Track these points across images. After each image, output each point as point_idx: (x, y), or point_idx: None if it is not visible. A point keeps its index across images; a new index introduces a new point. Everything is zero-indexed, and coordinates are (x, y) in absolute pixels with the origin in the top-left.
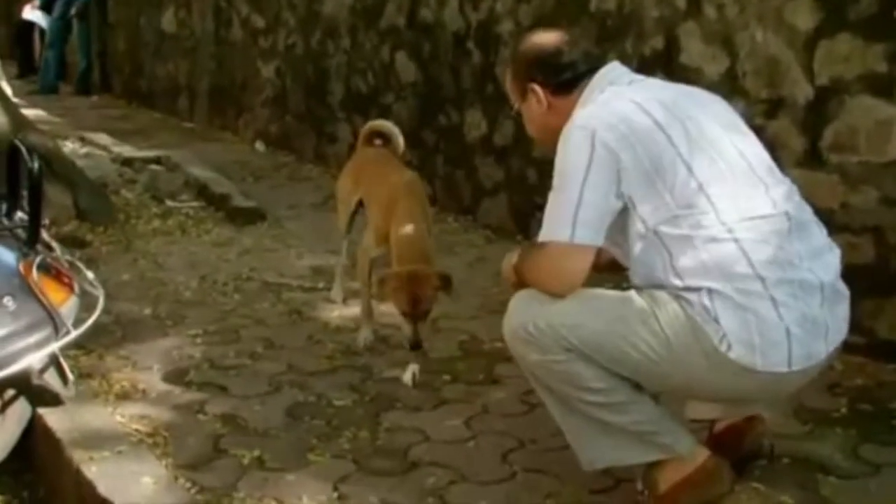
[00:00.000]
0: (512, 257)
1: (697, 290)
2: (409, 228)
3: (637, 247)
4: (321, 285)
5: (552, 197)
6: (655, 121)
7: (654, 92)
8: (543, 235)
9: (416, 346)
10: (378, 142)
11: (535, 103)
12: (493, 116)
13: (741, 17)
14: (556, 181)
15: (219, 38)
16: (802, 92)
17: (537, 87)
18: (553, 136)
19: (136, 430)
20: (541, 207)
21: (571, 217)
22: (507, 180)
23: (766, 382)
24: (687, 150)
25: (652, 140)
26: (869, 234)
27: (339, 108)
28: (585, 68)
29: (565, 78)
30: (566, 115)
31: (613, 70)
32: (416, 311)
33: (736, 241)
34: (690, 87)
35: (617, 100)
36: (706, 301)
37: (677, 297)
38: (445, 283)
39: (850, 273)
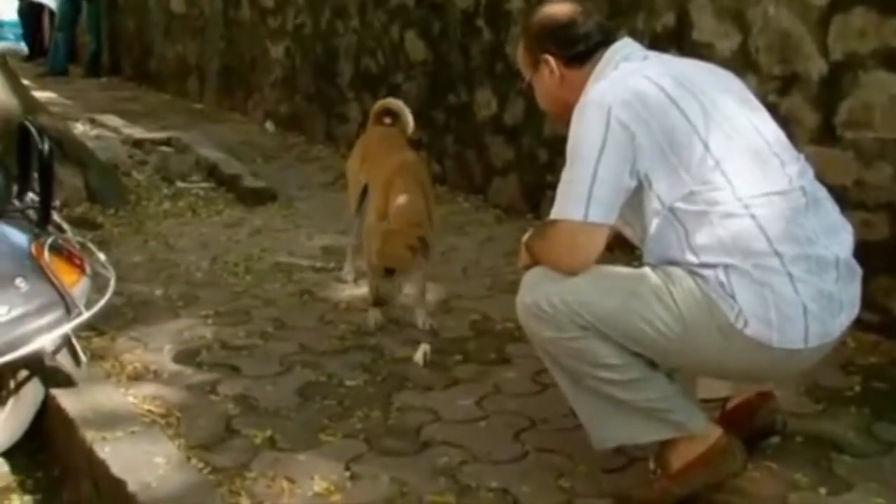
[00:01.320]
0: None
1: (713, 266)
2: (402, 198)
3: (652, 224)
4: (332, 265)
5: (565, 174)
6: (669, 96)
7: (668, 67)
8: (556, 213)
9: (376, 302)
10: (387, 120)
11: (547, 75)
12: (504, 95)
13: None
14: (569, 158)
15: (227, 18)
16: (816, 67)
17: (550, 59)
18: (564, 109)
19: (149, 411)
20: (551, 186)
21: (585, 195)
22: (518, 159)
23: (780, 359)
24: (703, 127)
25: (666, 116)
26: (883, 211)
27: (349, 87)
28: (599, 40)
29: (579, 50)
30: (578, 89)
31: (626, 46)
32: (378, 266)
33: (752, 216)
34: (704, 63)
35: (631, 76)
36: (722, 277)
37: (692, 274)
38: (423, 245)
39: (864, 250)
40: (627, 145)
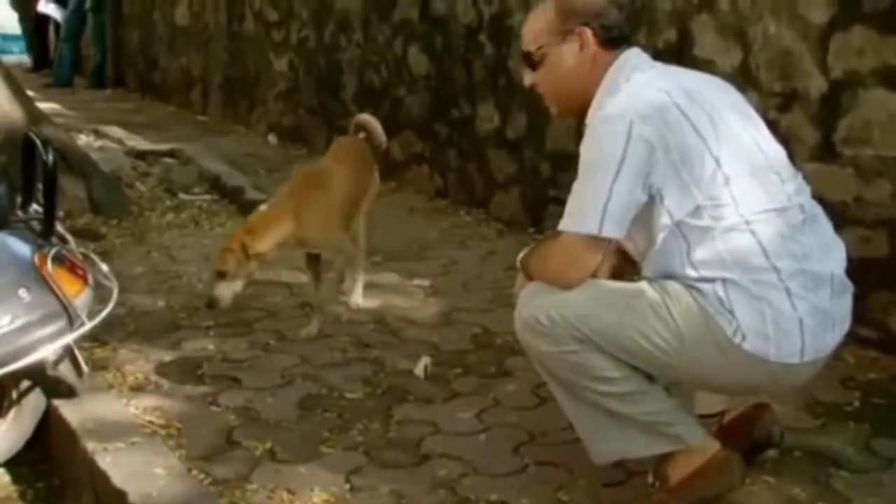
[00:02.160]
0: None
1: (712, 280)
2: (262, 206)
3: (658, 238)
4: (331, 276)
5: (579, 185)
6: (683, 111)
7: (677, 79)
8: (567, 225)
9: (208, 304)
10: (362, 134)
11: (576, 48)
12: (506, 109)
13: (754, 10)
14: (583, 170)
15: (232, 31)
16: (816, 85)
17: (588, 32)
18: (568, 87)
19: (150, 422)
20: (554, 200)
21: (601, 209)
22: (520, 173)
23: (776, 373)
24: (715, 143)
25: (681, 131)
26: (883, 227)
27: (352, 101)
28: (627, 33)
29: (613, 35)
30: (600, 73)
31: (637, 55)
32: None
33: (753, 232)
34: (707, 75)
35: (645, 88)
36: (720, 292)
37: (690, 288)
38: (243, 248)
39: (863, 267)
40: (645, 160)
